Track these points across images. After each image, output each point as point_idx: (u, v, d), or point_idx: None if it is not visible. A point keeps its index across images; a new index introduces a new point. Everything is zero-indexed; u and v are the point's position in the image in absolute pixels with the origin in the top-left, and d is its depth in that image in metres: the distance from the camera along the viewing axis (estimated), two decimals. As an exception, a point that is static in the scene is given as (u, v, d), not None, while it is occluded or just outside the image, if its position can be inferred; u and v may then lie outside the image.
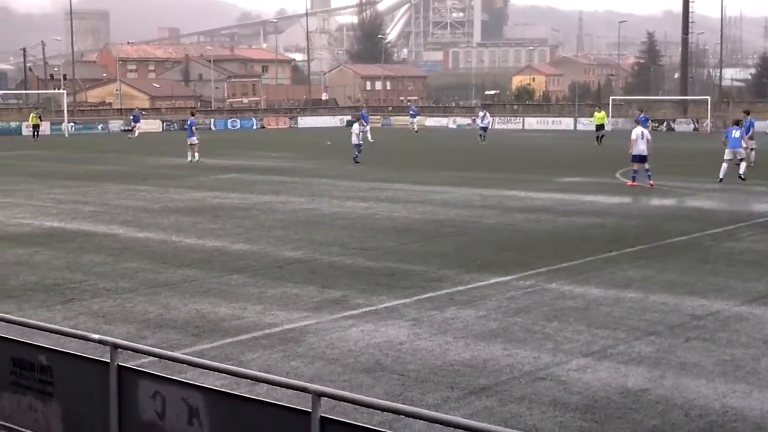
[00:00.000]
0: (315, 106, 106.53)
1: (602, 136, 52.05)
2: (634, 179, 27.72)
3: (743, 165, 28.52)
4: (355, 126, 38.92)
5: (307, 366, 9.26)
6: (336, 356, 9.59)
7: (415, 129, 70.95)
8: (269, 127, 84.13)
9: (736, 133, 29.11)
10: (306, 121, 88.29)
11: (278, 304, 11.91)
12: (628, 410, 7.99)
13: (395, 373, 9.03)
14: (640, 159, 27.68)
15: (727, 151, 29.09)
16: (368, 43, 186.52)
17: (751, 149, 33.98)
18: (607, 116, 63.37)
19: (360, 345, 10.01)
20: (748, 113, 36.52)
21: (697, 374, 9.00)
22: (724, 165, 28.73)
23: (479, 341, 10.15)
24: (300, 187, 27.50)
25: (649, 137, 28.22)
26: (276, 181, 29.61)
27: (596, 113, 56.67)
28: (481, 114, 58.90)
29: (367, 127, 48.59)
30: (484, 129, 55.23)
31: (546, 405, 8.11)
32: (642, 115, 34.16)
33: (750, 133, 34.02)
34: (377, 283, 13.21)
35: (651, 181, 27.18)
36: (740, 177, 28.18)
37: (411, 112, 77.32)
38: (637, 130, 28.10)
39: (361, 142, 38.16)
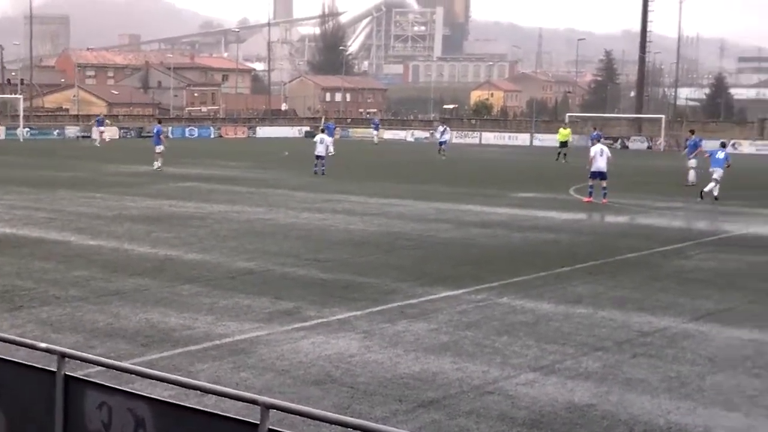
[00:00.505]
0: (274, 117, 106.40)
1: (565, 153, 51.77)
2: (590, 194, 28.06)
3: (712, 185, 29.02)
4: (326, 137, 38.41)
5: (256, 377, 9.26)
6: (286, 368, 9.60)
7: (376, 141, 71.45)
8: (227, 136, 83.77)
9: (720, 155, 30.11)
10: (265, 131, 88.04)
11: (230, 315, 11.88)
12: (574, 425, 8.08)
13: (345, 385, 9.06)
14: (599, 176, 28.10)
15: (710, 170, 29.90)
16: (329, 54, 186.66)
17: (691, 168, 34.70)
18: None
19: (310, 357, 10.03)
20: (693, 132, 37.51)
21: (643, 390, 9.13)
22: (711, 183, 29.28)
23: (429, 354, 10.22)
24: (256, 197, 27.44)
25: (609, 154, 28.74)
26: (233, 190, 29.51)
27: (561, 129, 55.47)
28: (440, 129, 56.72)
29: (331, 139, 47.62)
30: (442, 144, 53.84)
31: (494, 419, 8.18)
32: (596, 133, 34.65)
33: (695, 152, 34.91)
34: (330, 295, 13.23)
35: (605, 200, 27.53)
36: (701, 193, 29.01)
37: (373, 124, 78.04)
38: (596, 148, 28.65)
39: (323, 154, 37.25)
